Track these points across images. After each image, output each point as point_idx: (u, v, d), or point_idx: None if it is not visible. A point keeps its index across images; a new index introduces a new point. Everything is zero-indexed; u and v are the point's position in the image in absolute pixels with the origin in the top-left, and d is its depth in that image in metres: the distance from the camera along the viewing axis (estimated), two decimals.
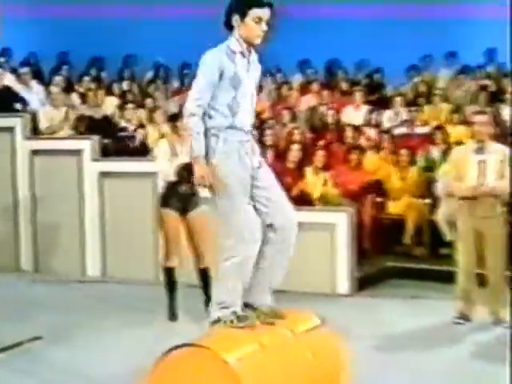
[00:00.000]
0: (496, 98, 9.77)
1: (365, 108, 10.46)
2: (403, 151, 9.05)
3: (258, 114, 10.54)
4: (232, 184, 3.77)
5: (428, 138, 9.33)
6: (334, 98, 11.06)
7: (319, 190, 8.39)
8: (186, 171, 6.50)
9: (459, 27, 11.58)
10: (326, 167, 8.72)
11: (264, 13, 3.77)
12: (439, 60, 11.43)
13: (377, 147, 9.43)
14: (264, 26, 3.78)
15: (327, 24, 12.33)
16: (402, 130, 9.95)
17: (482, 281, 6.40)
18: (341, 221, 7.65)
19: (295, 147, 8.67)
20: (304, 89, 11.56)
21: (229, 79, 3.75)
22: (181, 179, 6.51)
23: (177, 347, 3.64)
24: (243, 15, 3.75)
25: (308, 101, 11.00)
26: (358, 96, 10.50)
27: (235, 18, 3.78)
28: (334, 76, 11.98)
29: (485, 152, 6.30)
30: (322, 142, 9.57)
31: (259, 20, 3.75)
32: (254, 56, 3.89)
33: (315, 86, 11.30)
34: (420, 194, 8.67)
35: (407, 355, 5.61)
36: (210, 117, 3.79)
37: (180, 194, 6.55)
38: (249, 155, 3.86)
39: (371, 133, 9.82)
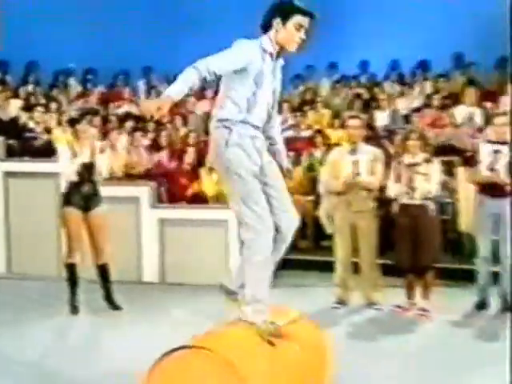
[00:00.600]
0: (369, 104, 10.17)
1: None
2: (290, 153, 9.24)
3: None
4: (244, 175, 3.53)
5: (311, 141, 9.58)
6: None
7: (213, 190, 8.45)
8: (87, 171, 6.48)
9: (339, 40, 11.93)
10: None
11: (306, 21, 3.59)
12: (321, 70, 11.76)
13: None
14: (303, 34, 3.59)
15: (224, 35, 12.40)
16: (289, 133, 10.16)
17: (356, 269, 6.66)
18: (233, 217, 7.66)
19: (190, 150, 8.70)
20: (200, 95, 11.63)
21: (254, 74, 3.51)
22: (82, 179, 6.47)
23: (175, 349, 3.39)
24: (285, 19, 3.56)
25: (203, 106, 11.07)
26: None
27: (277, 21, 3.57)
28: None
29: (357, 153, 6.57)
30: None
31: (300, 27, 3.57)
32: (280, 63, 3.68)
33: (210, 93, 11.40)
34: (305, 192, 8.82)
35: None
36: (225, 107, 3.55)
37: (82, 194, 6.49)
38: (259, 152, 3.63)
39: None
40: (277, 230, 3.68)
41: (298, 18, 3.55)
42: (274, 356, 3.52)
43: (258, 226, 3.53)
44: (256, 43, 3.56)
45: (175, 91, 3.29)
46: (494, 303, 6.40)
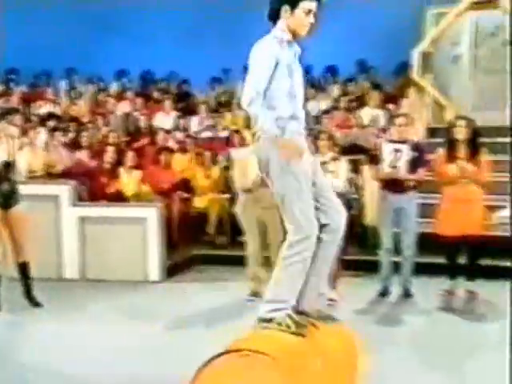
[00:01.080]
0: None
1: (174, 114, 10.63)
2: (207, 153, 9.32)
3: (77, 118, 10.46)
4: (298, 174, 3.35)
5: (228, 141, 9.65)
6: (147, 105, 11.15)
7: (132, 188, 8.42)
8: (5, 170, 6.34)
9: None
10: (139, 167, 8.76)
11: (313, 5, 3.44)
12: (238, 72, 11.83)
13: (184, 149, 9.61)
14: (312, 19, 3.45)
15: (144, 36, 12.36)
16: (207, 134, 10.21)
17: (269, 262, 6.75)
18: (151, 215, 7.74)
19: (110, 149, 8.63)
20: (120, 96, 11.56)
21: (285, 67, 3.37)
22: (1, 178, 6.33)
23: (221, 354, 3.09)
24: (294, 6, 3.41)
25: (123, 107, 11.00)
26: (168, 103, 10.67)
27: (285, 9, 3.42)
28: (148, 85, 12.10)
29: None
30: (135, 145, 9.63)
31: (308, 12, 3.42)
32: (297, 50, 3.50)
33: (130, 94, 11.37)
34: (221, 190, 8.88)
35: (204, 329, 5.82)
36: (274, 108, 3.36)
37: (1, 192, 6.36)
38: (308, 150, 3.49)
39: (180, 136, 9.99)
40: (325, 227, 3.47)
41: (306, 4, 3.43)
42: (320, 354, 3.30)
43: (306, 227, 3.37)
44: (271, 38, 3.42)
45: (274, 129, 3.31)
46: (395, 291, 6.66)
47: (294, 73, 3.43)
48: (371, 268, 6.82)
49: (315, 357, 3.26)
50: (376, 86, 9.93)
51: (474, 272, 6.39)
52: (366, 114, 9.28)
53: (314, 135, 7.08)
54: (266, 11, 3.54)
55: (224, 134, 10.07)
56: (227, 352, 3.09)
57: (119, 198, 8.21)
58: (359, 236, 7.83)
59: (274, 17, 3.48)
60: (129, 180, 8.46)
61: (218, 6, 12.16)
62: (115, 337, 5.50)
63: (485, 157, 6.39)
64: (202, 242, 8.79)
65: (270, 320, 3.44)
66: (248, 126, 10.06)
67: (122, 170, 8.48)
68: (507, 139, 8.79)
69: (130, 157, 8.54)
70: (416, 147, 6.69)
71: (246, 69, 11.85)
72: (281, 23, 3.45)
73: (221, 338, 5.47)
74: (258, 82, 3.34)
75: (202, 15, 12.23)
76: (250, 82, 3.36)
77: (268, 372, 2.95)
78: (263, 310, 3.50)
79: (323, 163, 6.53)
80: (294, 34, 3.47)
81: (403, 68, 10.21)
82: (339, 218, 3.49)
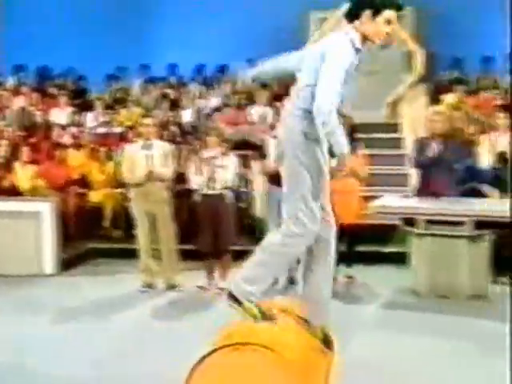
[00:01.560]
0: (176, 104, 10.24)
1: (69, 110, 10.33)
2: (102, 148, 9.10)
3: None
4: (316, 169, 3.12)
5: (123, 137, 9.46)
6: (43, 100, 10.77)
7: (28, 183, 8.11)
8: None
9: (151, 43, 11.92)
10: (35, 162, 8.45)
11: (395, 16, 3.12)
12: (134, 70, 11.61)
13: (80, 145, 9.34)
14: (390, 29, 3.13)
15: (42, 31, 11.91)
16: (102, 129, 9.97)
17: (159, 255, 6.68)
18: (45, 209, 7.49)
19: (3, 143, 8.28)
20: (16, 91, 11.11)
21: (346, 74, 3.03)
22: None
23: (214, 350, 2.91)
24: (377, 13, 3.08)
25: (19, 102, 10.57)
26: (64, 99, 10.36)
27: (366, 13, 3.08)
28: (44, 80, 11.70)
29: (151, 148, 6.58)
30: (31, 140, 9.28)
31: (388, 22, 3.11)
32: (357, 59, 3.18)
33: (25, 89, 10.95)
34: (116, 185, 8.67)
35: (97, 321, 5.70)
36: (305, 98, 3.07)
37: None
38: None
39: (75, 132, 9.71)
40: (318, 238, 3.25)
41: (389, 13, 3.11)
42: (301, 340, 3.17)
43: (309, 225, 3.13)
44: (348, 41, 3.08)
45: (345, 145, 3.05)
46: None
47: (349, 80, 3.10)
48: None
49: (303, 346, 3.19)
50: (264, 85, 10.00)
51: (352, 258, 6.58)
52: (255, 111, 9.34)
53: (205, 131, 7.07)
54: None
55: (118, 129, 9.87)
56: (221, 347, 2.96)
57: (14, 192, 7.89)
58: (249, 227, 7.88)
59: (352, 17, 3.16)
60: (24, 174, 8.14)
61: (117, 4, 11.92)
62: (6, 330, 5.28)
63: (362, 151, 6.58)
64: (97, 235, 8.57)
65: (239, 302, 3.20)
66: (141, 124, 9.90)
67: (17, 165, 8.15)
68: (383, 135, 9.16)
69: (25, 152, 8.23)
70: None
71: (142, 67, 11.65)
72: (356, 26, 3.13)
73: (114, 328, 5.42)
74: (338, 87, 2.99)
75: (101, 12, 11.93)
76: (332, 86, 2.98)
77: (265, 364, 2.86)
78: (236, 286, 3.23)
79: (212, 158, 6.53)
80: (365, 39, 3.15)
81: None
82: (329, 228, 3.29)
